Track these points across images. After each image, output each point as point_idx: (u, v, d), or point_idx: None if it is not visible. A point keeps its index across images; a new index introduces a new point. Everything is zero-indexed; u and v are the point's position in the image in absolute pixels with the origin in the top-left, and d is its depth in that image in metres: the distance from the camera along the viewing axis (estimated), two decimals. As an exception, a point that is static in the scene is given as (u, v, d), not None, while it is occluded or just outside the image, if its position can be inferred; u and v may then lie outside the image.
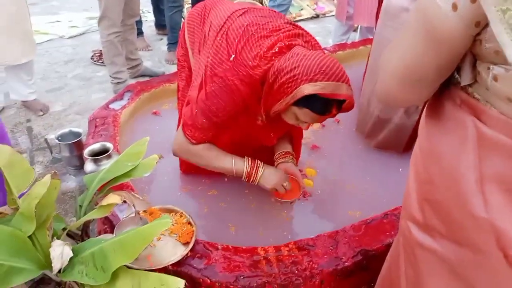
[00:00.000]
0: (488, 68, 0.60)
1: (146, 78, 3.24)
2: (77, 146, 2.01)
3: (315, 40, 1.33)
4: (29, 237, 0.95)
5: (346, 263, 1.26)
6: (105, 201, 1.06)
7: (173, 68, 3.52)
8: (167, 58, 3.68)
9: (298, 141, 1.68)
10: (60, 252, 0.86)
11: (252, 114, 1.34)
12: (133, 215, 1.20)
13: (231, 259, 1.26)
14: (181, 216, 1.38)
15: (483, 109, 0.62)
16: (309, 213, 1.65)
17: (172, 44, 3.64)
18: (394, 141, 1.92)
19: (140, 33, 3.75)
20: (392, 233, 1.36)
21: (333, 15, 3.85)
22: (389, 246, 1.07)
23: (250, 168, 1.40)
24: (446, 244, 0.71)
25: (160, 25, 4.17)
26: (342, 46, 2.77)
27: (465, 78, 0.65)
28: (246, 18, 1.31)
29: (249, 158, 1.42)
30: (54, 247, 0.88)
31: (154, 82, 2.40)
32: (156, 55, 3.82)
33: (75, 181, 2.08)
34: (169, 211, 1.40)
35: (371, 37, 3.09)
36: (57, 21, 4.48)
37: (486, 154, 0.62)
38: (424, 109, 0.78)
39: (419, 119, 1.37)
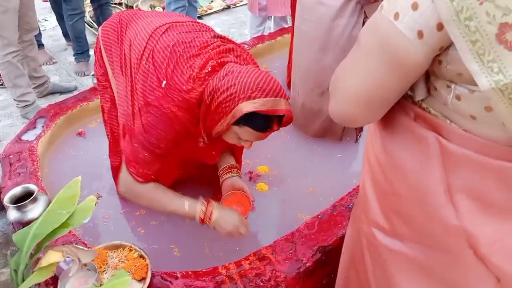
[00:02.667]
0: (448, 87, 0.61)
1: (57, 96, 2.99)
2: (-8, 190, 1.78)
3: (247, 53, 1.30)
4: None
5: (307, 264, 1.28)
6: (45, 261, 0.94)
7: (85, 81, 3.26)
8: (77, 70, 3.39)
9: (240, 152, 1.65)
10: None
11: (194, 137, 1.28)
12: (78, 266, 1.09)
13: (193, 285, 1.21)
14: (130, 250, 1.28)
15: (443, 125, 0.64)
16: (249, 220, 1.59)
17: (79, 54, 3.35)
18: (331, 129, 1.99)
19: (40, 45, 3.38)
20: (344, 223, 1.41)
21: (244, 4, 3.83)
22: (343, 237, 1.10)
23: (204, 214, 1.29)
24: (416, 247, 0.75)
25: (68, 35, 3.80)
26: (260, 39, 2.77)
27: (420, 93, 0.66)
28: (170, 36, 1.23)
29: (203, 201, 1.32)
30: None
31: (69, 102, 2.17)
32: (64, 68, 3.50)
33: (-4, 227, 1.85)
34: (116, 247, 1.29)
35: (285, 26, 3.13)
36: None
37: (451, 168, 0.65)
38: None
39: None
